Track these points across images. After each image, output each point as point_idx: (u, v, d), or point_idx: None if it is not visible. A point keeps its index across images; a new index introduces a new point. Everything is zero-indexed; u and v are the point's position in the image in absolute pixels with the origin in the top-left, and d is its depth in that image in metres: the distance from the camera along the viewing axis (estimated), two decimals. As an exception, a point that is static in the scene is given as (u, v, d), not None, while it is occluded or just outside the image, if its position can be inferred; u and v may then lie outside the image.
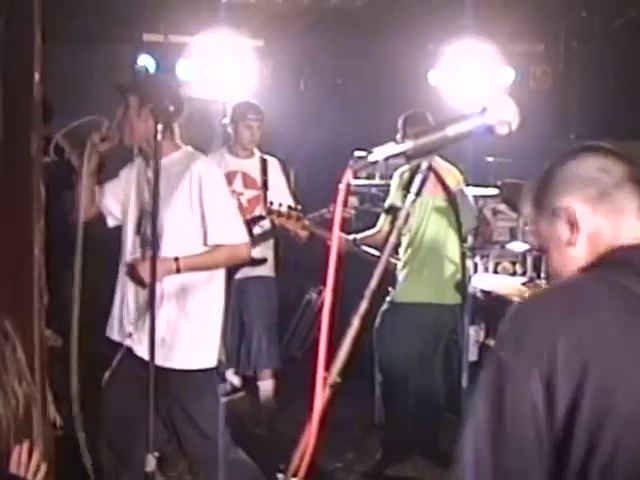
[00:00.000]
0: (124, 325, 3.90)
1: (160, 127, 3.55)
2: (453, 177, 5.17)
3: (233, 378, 6.25)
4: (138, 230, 3.93)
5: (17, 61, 3.49)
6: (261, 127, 5.81)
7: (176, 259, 3.75)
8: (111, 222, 4.06)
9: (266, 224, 5.68)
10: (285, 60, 7.08)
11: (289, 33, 6.94)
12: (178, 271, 3.76)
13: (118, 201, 4.01)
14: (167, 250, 3.76)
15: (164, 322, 3.77)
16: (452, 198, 5.07)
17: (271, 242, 5.85)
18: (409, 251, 5.07)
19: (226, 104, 6.01)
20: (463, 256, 5.30)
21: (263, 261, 5.67)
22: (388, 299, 5.09)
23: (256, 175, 5.87)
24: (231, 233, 3.86)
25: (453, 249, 5.23)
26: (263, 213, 5.71)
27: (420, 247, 5.07)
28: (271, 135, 6.21)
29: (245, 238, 3.96)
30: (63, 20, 5.37)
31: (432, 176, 4.89)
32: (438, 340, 5.34)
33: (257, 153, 5.91)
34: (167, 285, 3.77)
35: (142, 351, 3.77)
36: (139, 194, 3.96)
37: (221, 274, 3.94)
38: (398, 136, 5.16)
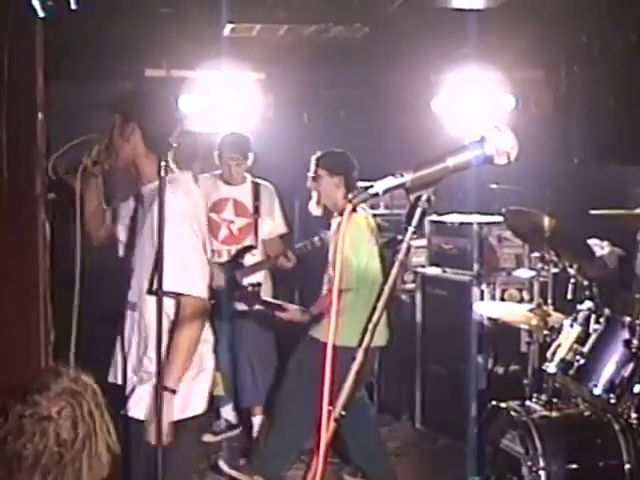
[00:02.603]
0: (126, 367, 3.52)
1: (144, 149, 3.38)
2: None
3: (229, 414, 6.14)
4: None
5: (20, 101, 3.52)
6: (241, 165, 5.84)
7: None
8: (120, 250, 3.61)
9: (256, 253, 5.75)
10: (287, 93, 7.13)
11: (290, 66, 6.98)
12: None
13: (124, 227, 3.60)
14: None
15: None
16: None
17: (266, 273, 5.82)
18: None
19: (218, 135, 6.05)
20: None
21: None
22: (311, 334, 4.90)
23: (248, 201, 5.91)
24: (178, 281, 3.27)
25: None
26: (254, 243, 5.77)
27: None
28: (275, 167, 6.25)
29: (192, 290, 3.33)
30: (65, 58, 5.41)
31: None
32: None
33: (249, 178, 5.96)
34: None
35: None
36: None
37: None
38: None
